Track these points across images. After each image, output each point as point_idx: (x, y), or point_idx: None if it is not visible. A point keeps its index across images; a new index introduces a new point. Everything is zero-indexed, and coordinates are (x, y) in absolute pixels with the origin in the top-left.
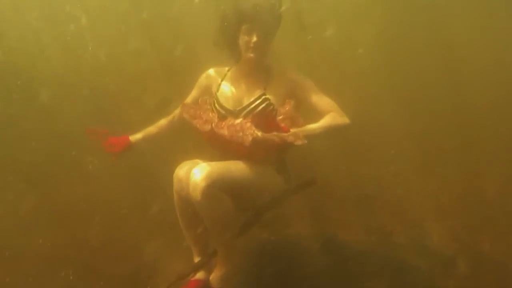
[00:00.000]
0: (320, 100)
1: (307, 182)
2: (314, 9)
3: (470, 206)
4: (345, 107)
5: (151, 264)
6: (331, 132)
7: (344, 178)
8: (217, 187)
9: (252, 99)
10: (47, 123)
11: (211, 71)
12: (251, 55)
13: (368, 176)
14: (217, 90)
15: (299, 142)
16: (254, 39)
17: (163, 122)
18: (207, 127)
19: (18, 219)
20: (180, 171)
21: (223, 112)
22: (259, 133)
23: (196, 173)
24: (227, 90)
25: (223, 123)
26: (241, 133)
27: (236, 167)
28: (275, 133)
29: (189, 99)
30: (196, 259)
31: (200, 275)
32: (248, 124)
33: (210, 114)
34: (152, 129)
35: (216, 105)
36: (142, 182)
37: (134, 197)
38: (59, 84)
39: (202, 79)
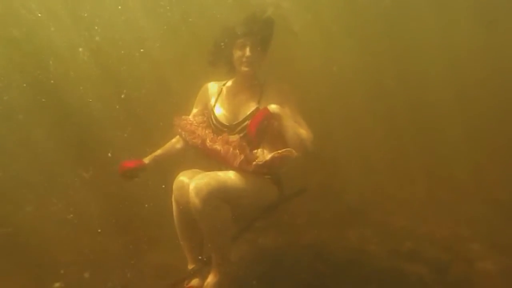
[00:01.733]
0: (296, 117)
1: (298, 190)
2: None
3: (462, 215)
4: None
5: (146, 271)
6: (294, 139)
7: (341, 185)
8: (217, 196)
9: (246, 114)
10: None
11: (209, 86)
12: (245, 69)
13: (365, 183)
14: (214, 105)
15: (293, 156)
16: (248, 53)
17: (173, 142)
18: (197, 142)
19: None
20: (180, 180)
21: (219, 126)
22: (259, 160)
23: (197, 182)
24: (223, 104)
25: (218, 138)
26: (237, 150)
27: (235, 177)
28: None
29: (191, 115)
30: (191, 266)
31: (194, 282)
32: (244, 145)
33: (203, 130)
34: (165, 148)
35: (213, 120)
36: (139, 192)
37: (132, 206)
38: None
39: (201, 94)
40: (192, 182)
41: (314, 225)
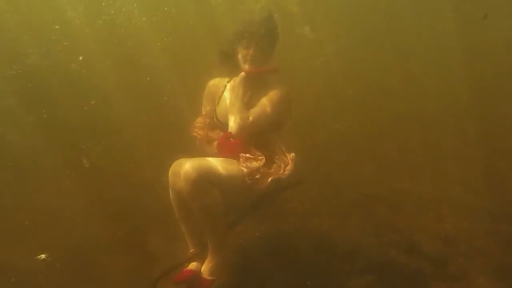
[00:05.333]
0: (258, 107)
1: (294, 182)
2: None
3: (463, 210)
4: None
5: (150, 255)
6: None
7: (342, 177)
8: (205, 180)
9: None
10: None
11: (214, 82)
12: (248, 66)
13: (366, 176)
14: (217, 103)
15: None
16: (251, 52)
17: None
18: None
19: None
20: (175, 167)
21: (218, 124)
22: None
23: (187, 167)
24: (224, 102)
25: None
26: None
27: (227, 164)
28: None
29: (203, 113)
30: (191, 250)
31: (192, 265)
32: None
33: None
34: None
35: (214, 117)
36: (142, 179)
37: (135, 194)
38: None
39: (207, 92)
40: (183, 167)
41: (316, 215)
